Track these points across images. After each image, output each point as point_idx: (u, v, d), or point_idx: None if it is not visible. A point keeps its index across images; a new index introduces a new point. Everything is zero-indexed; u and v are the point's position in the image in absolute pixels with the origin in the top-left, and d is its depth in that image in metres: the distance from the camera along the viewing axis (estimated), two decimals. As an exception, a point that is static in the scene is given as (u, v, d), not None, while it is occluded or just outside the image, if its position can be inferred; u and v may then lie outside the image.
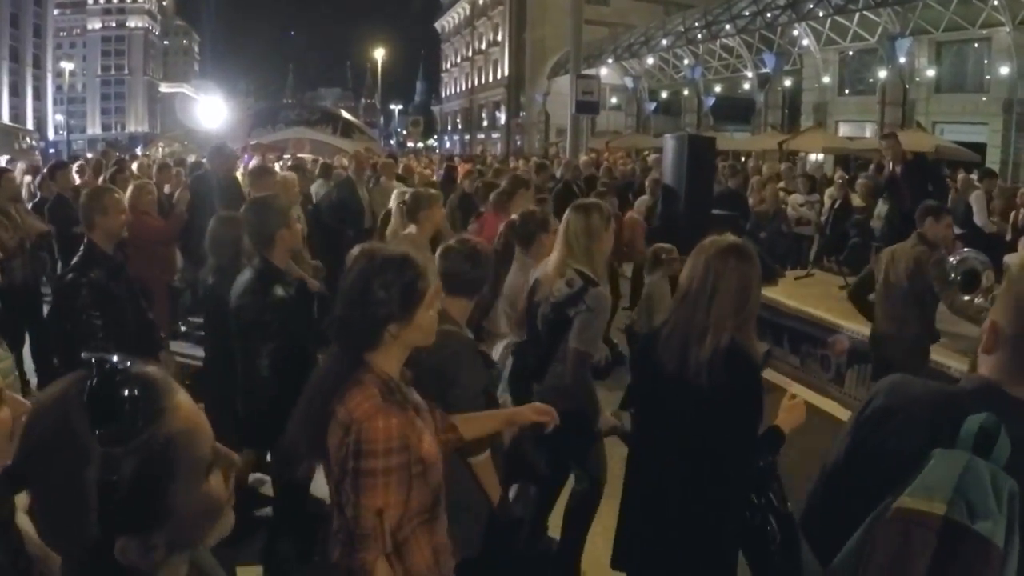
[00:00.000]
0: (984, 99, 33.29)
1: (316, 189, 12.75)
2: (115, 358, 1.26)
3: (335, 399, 2.56)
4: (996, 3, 30.05)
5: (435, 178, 15.92)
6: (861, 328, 7.95)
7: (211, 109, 34.05)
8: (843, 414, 7.47)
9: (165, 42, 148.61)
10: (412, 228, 6.55)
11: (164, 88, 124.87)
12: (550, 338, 4.56)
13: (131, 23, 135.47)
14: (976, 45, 33.97)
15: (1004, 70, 31.37)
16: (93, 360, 1.26)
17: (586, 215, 4.65)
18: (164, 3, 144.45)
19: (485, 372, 3.83)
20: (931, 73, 35.46)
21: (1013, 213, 12.22)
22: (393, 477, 2.48)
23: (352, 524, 2.50)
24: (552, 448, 4.36)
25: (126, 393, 1.24)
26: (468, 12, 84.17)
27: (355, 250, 2.78)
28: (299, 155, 22.30)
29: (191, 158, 18.34)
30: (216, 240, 5.71)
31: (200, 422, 1.35)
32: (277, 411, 3.10)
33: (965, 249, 10.41)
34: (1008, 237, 11.68)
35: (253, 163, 14.71)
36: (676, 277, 7.66)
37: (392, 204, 7.99)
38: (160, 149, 32.15)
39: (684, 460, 3.31)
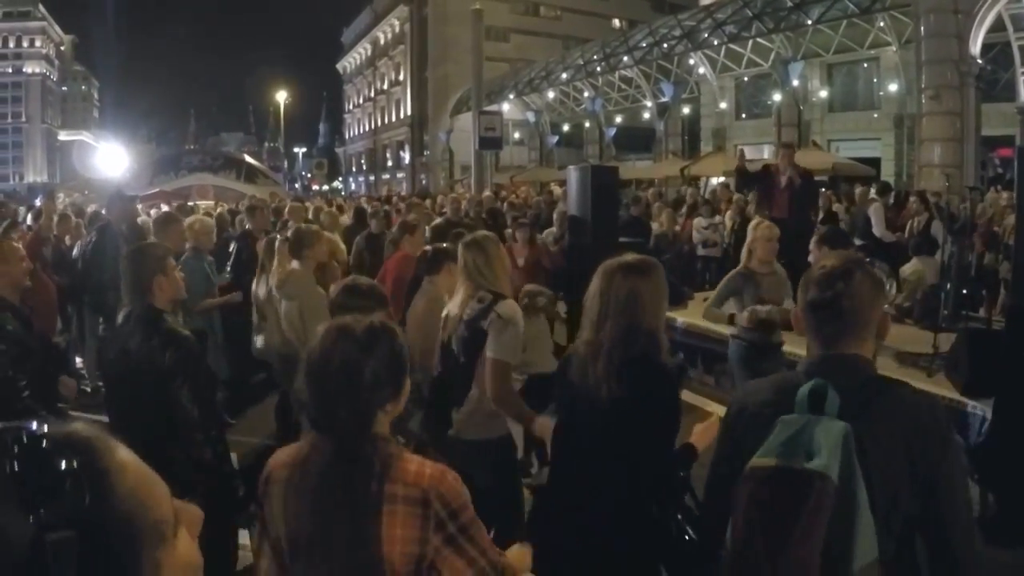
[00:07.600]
0: (876, 116, 34.95)
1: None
2: (33, 425, 0.96)
3: (374, 486, 2.28)
4: (882, 24, 31.52)
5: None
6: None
7: (112, 156, 33.08)
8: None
9: (64, 88, 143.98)
10: (296, 264, 6.57)
11: (63, 136, 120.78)
12: (467, 355, 4.44)
13: (28, 69, 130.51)
14: (865, 65, 35.66)
15: (893, 87, 33.15)
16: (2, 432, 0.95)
17: (479, 247, 4.59)
18: (62, 48, 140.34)
19: None
20: (824, 94, 37.07)
21: (909, 222, 12.46)
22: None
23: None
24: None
25: (63, 464, 0.93)
26: (370, 52, 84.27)
27: (322, 328, 2.45)
28: (203, 201, 21.67)
29: (91, 208, 17.47)
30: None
31: (152, 479, 1.06)
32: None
33: (867, 259, 10.42)
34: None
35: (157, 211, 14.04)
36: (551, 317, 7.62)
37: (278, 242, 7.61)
38: (61, 199, 31.17)
39: (603, 475, 3.30)
